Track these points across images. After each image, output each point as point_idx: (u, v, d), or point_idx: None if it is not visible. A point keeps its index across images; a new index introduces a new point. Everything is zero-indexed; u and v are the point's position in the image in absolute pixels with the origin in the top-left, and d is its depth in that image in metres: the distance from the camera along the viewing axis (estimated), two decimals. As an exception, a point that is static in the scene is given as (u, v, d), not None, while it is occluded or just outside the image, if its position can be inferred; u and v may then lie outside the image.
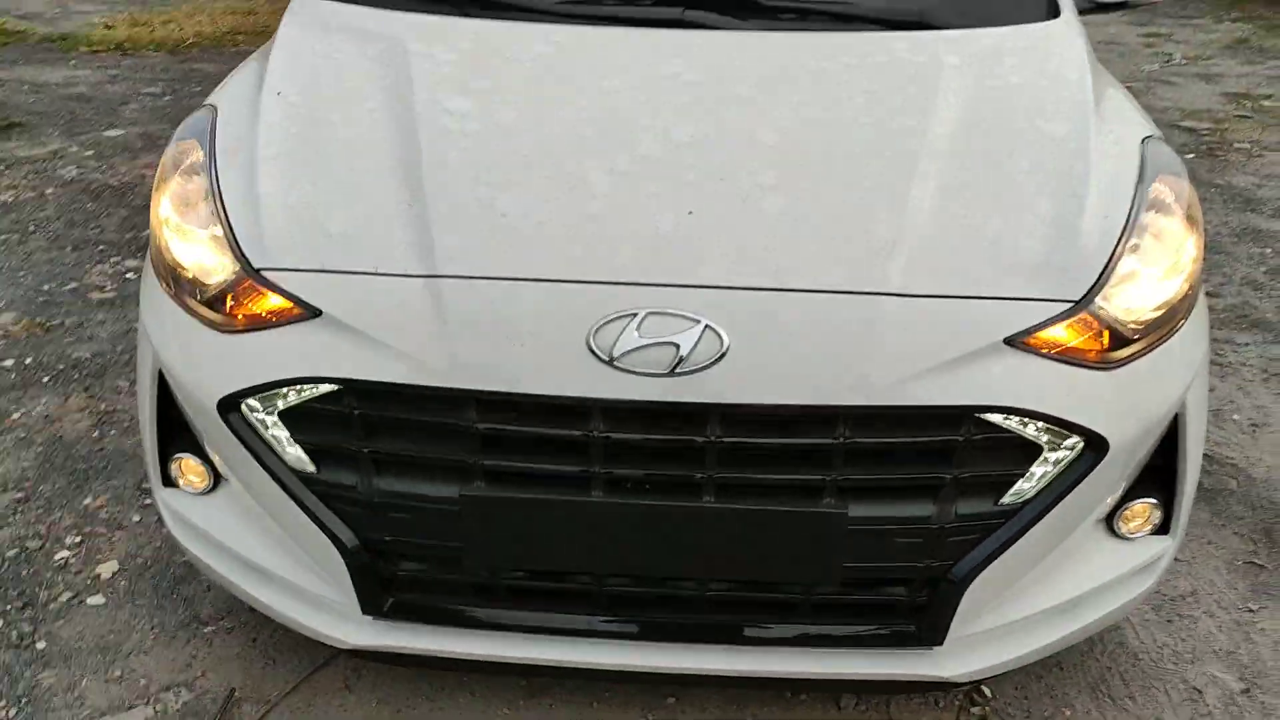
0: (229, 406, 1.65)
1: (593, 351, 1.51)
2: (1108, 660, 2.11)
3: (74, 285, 3.70)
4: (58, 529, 2.45)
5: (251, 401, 1.64)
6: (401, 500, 1.62)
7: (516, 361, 1.53)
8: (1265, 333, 3.41)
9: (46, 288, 3.68)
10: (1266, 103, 6.08)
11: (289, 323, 1.62)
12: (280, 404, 1.63)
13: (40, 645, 2.12)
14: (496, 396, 1.54)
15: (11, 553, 2.37)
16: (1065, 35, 2.22)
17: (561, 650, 1.73)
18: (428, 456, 1.60)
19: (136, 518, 2.49)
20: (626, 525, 1.60)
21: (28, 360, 3.19)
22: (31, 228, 4.20)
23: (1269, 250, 4.04)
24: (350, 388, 1.58)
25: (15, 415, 2.90)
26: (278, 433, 1.64)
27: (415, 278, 1.59)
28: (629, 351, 1.50)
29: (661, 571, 1.67)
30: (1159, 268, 1.70)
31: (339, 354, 1.58)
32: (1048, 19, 2.26)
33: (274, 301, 1.63)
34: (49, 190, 4.62)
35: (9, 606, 2.22)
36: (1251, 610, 2.26)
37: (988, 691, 2.02)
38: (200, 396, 1.68)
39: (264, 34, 7.67)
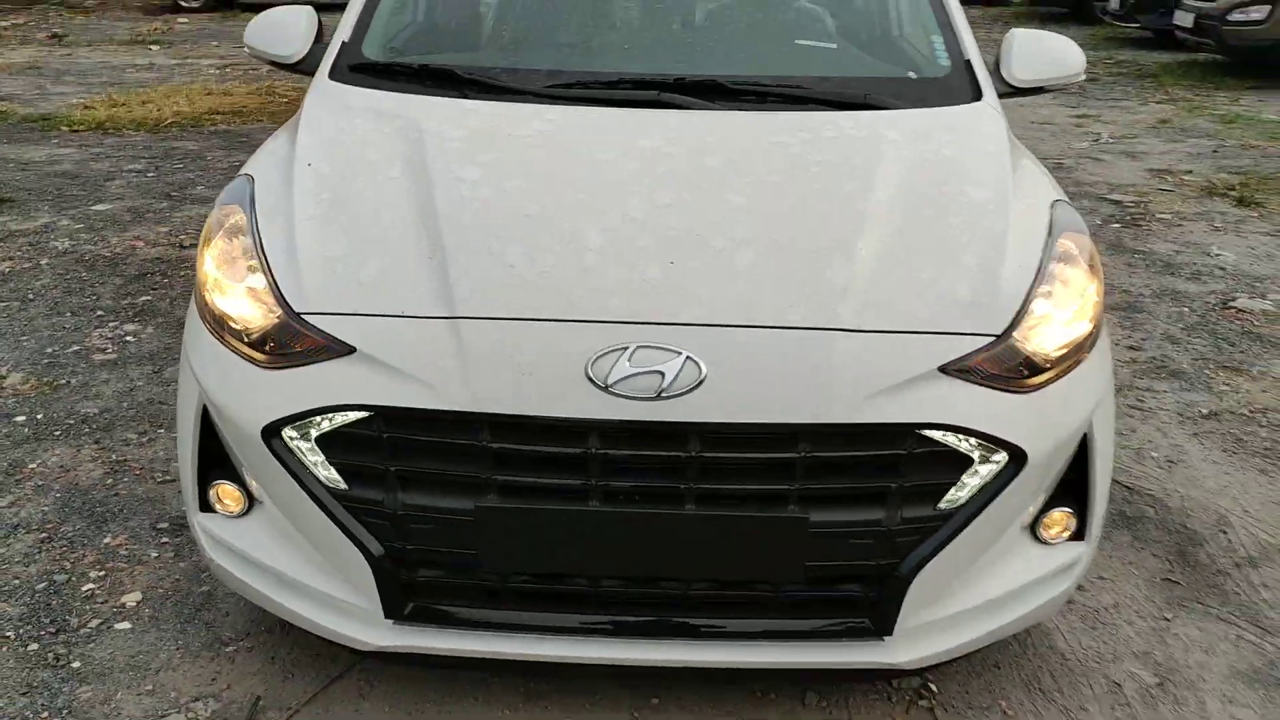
0: (271, 433, 1.89)
1: (590, 380, 1.78)
2: (1039, 660, 2.38)
3: (76, 348, 3.91)
4: (82, 564, 2.65)
5: (289, 430, 1.89)
6: (423, 513, 1.86)
7: (525, 389, 1.80)
8: (1181, 381, 3.75)
9: (50, 350, 3.89)
10: (1186, 177, 6.55)
11: (325, 359, 1.87)
12: (315, 430, 1.87)
13: (75, 665, 2.31)
14: (507, 419, 1.80)
15: (41, 585, 2.57)
16: (987, 115, 2.56)
17: (558, 647, 1.96)
18: (447, 473, 1.85)
19: (154, 554, 2.69)
20: (620, 531, 1.85)
21: (39, 416, 3.39)
22: (30, 295, 4.42)
23: (1185, 309, 4.41)
24: (379, 414, 1.83)
25: (32, 465, 3.10)
26: (314, 456, 1.88)
27: (437, 319, 1.85)
28: (621, 379, 1.77)
29: (650, 572, 1.91)
30: (1066, 309, 2.01)
31: (370, 385, 1.84)
32: (972, 101, 2.61)
33: (312, 341, 1.89)
34: (44, 261, 4.84)
35: (43, 632, 2.41)
36: (1166, 619, 2.54)
37: (934, 688, 2.28)
38: (245, 425, 1.92)
39: (240, 114, 8.03)
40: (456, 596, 1.98)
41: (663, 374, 1.78)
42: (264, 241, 2.03)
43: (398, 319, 1.87)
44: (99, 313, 4.25)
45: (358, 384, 1.84)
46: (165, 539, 2.75)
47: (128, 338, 4.01)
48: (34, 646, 2.36)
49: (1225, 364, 3.89)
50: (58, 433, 3.29)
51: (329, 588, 1.99)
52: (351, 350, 1.86)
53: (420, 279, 1.91)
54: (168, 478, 3.04)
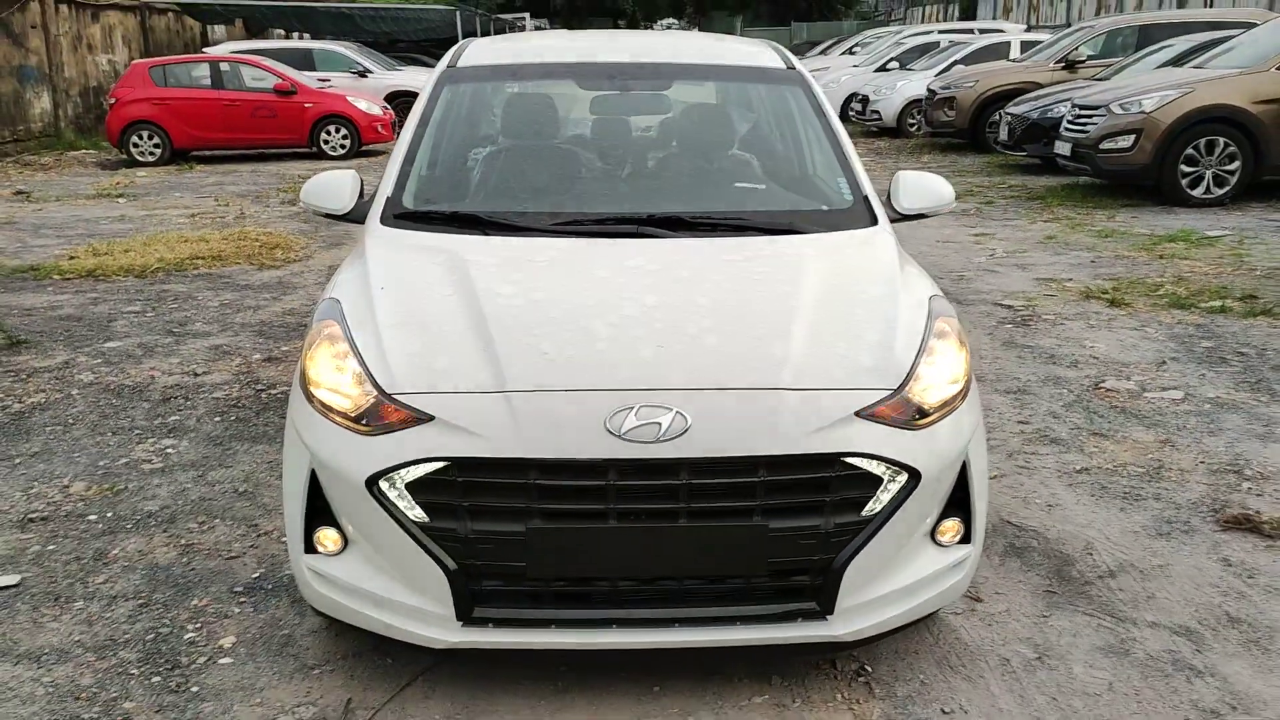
0: (371, 483, 2.57)
1: (608, 430, 2.50)
2: (948, 647, 3.08)
3: (125, 460, 4.52)
4: (179, 620, 3.25)
5: (381, 483, 2.57)
6: (487, 535, 2.54)
7: (560, 439, 2.51)
8: (1060, 446, 4.56)
9: (102, 463, 4.49)
10: (1068, 284, 7.54)
11: (411, 426, 2.58)
12: (404, 478, 2.56)
13: (194, 689, 2.90)
14: (548, 462, 2.51)
15: (149, 637, 3.16)
16: (881, 236, 3.41)
17: (584, 637, 2.62)
18: (504, 505, 2.54)
19: (237, 609, 3.30)
20: (631, 542, 2.55)
21: (108, 514, 3.99)
22: (70, 420, 5.02)
23: (1065, 390, 5.27)
24: (454, 463, 2.53)
25: (114, 551, 3.70)
26: (404, 499, 2.57)
27: (494, 393, 2.58)
28: (630, 429, 2.50)
29: (653, 572, 2.60)
30: (944, 370, 2.80)
31: (446, 443, 2.54)
32: (870, 225, 3.46)
33: (400, 414, 2.59)
34: (73, 392, 5.45)
35: (161, 669, 2.99)
36: (1045, 616, 3.26)
37: (869, 669, 2.96)
38: (352, 478, 2.59)
39: (219, 258, 8.75)
40: (509, 601, 2.64)
41: (660, 424, 2.51)
42: (358, 344, 2.75)
43: (465, 394, 2.59)
44: (136, 431, 4.86)
45: (437, 442, 2.54)
46: (243, 599, 3.36)
47: (168, 450, 4.62)
48: (156, 679, 2.95)
49: (1095, 431, 4.72)
50: (129, 526, 3.89)
51: (412, 600, 2.64)
52: (431, 418, 2.57)
53: (479, 365, 2.64)
54: (232, 555, 3.65)
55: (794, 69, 4.11)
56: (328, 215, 3.63)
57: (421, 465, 2.55)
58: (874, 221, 3.48)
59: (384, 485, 2.57)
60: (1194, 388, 5.26)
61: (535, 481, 2.51)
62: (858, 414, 2.62)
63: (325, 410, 2.70)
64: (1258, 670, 2.95)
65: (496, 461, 2.52)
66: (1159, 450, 4.49)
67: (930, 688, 2.89)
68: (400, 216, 3.42)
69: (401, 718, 2.77)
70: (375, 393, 2.63)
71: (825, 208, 3.64)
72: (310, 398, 2.76)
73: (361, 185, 3.69)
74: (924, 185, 3.72)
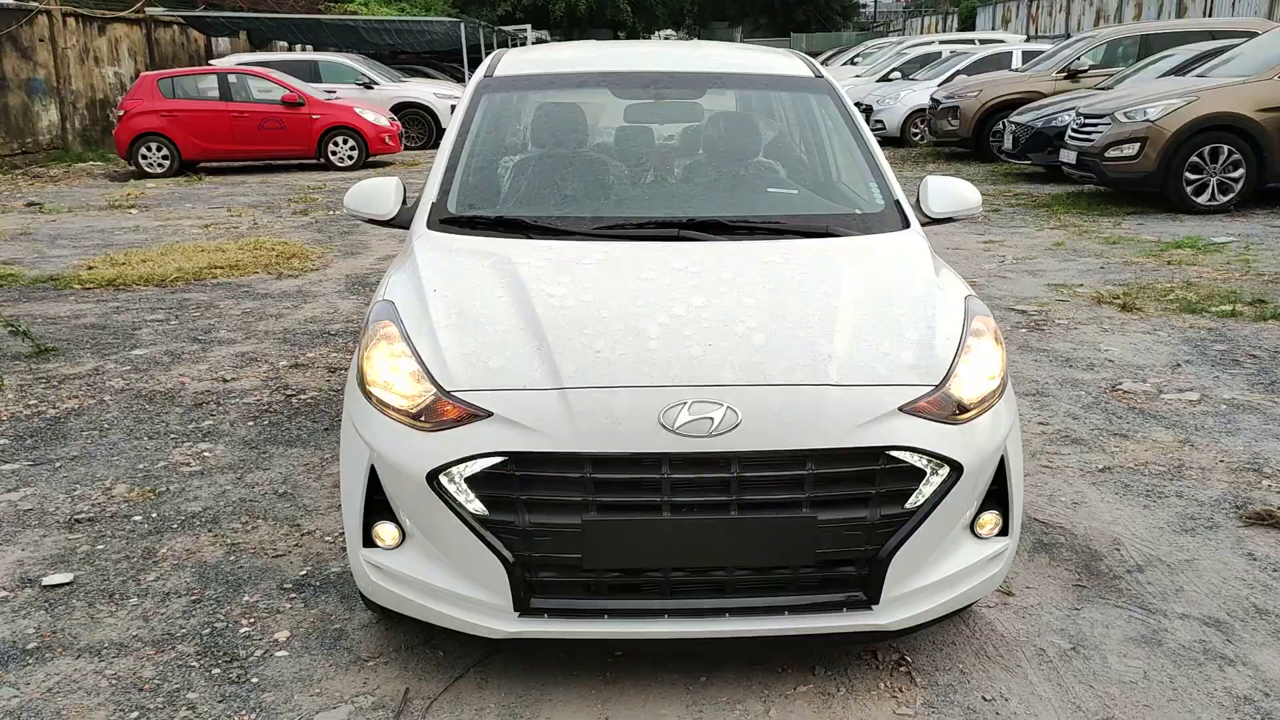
0: (432, 477, 2.65)
1: (662, 425, 2.59)
2: (984, 638, 3.16)
3: (164, 463, 4.60)
4: (232, 616, 3.32)
5: (441, 477, 2.65)
6: (544, 527, 2.62)
7: (616, 434, 2.60)
8: (1081, 446, 4.65)
9: (141, 466, 4.57)
10: (1079, 290, 7.64)
11: (470, 422, 2.66)
12: (463, 473, 2.64)
13: (254, 680, 2.98)
14: (604, 456, 2.59)
15: (205, 631, 3.23)
16: (914, 238, 3.50)
17: (637, 626, 2.70)
18: (561, 498, 2.62)
19: (289, 605, 3.38)
20: (684, 533, 2.63)
21: (153, 514, 4.07)
22: (106, 425, 5.10)
23: (1081, 393, 5.36)
24: (512, 458, 2.61)
25: (162, 550, 3.78)
26: (463, 493, 2.65)
27: (550, 389, 2.66)
28: (684, 424, 2.59)
29: (705, 563, 2.68)
30: (981, 368, 2.89)
31: (504, 438, 2.62)
32: (903, 229, 3.55)
33: (459, 410, 2.67)
34: (106, 398, 5.53)
35: (220, 661, 3.07)
36: (1076, 609, 3.34)
37: (909, 659, 3.04)
38: (412, 473, 2.67)
39: (237, 267, 8.85)
40: (565, 592, 2.72)
41: (712, 419, 2.60)
42: (415, 344, 2.83)
43: (522, 391, 2.67)
44: (172, 436, 4.94)
45: (495, 438, 2.63)
46: (293, 595, 3.44)
47: (205, 453, 4.71)
48: (216, 670, 3.03)
49: (1115, 432, 4.81)
50: (174, 526, 3.97)
51: (470, 592, 2.72)
52: (489, 414, 2.65)
53: (534, 363, 2.72)
54: (278, 554, 3.73)
55: (822, 77, 4.21)
56: (371, 220, 3.72)
57: (481, 460, 2.63)
58: (906, 225, 3.58)
59: (444, 480, 2.65)
60: (1209, 389, 5.35)
61: (591, 475, 2.60)
62: (901, 409, 2.70)
63: (383, 408, 2.79)
64: (1287, 658, 3.04)
65: (554, 456, 2.60)
66: (1179, 450, 4.58)
67: (970, 677, 2.97)
68: (446, 221, 3.51)
69: (458, 707, 2.85)
70: (434, 390, 2.72)
71: (859, 211, 3.73)
72: (369, 396, 2.84)
73: (405, 191, 3.78)
74: (951, 190, 3.82)
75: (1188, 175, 10.55)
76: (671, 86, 4.17)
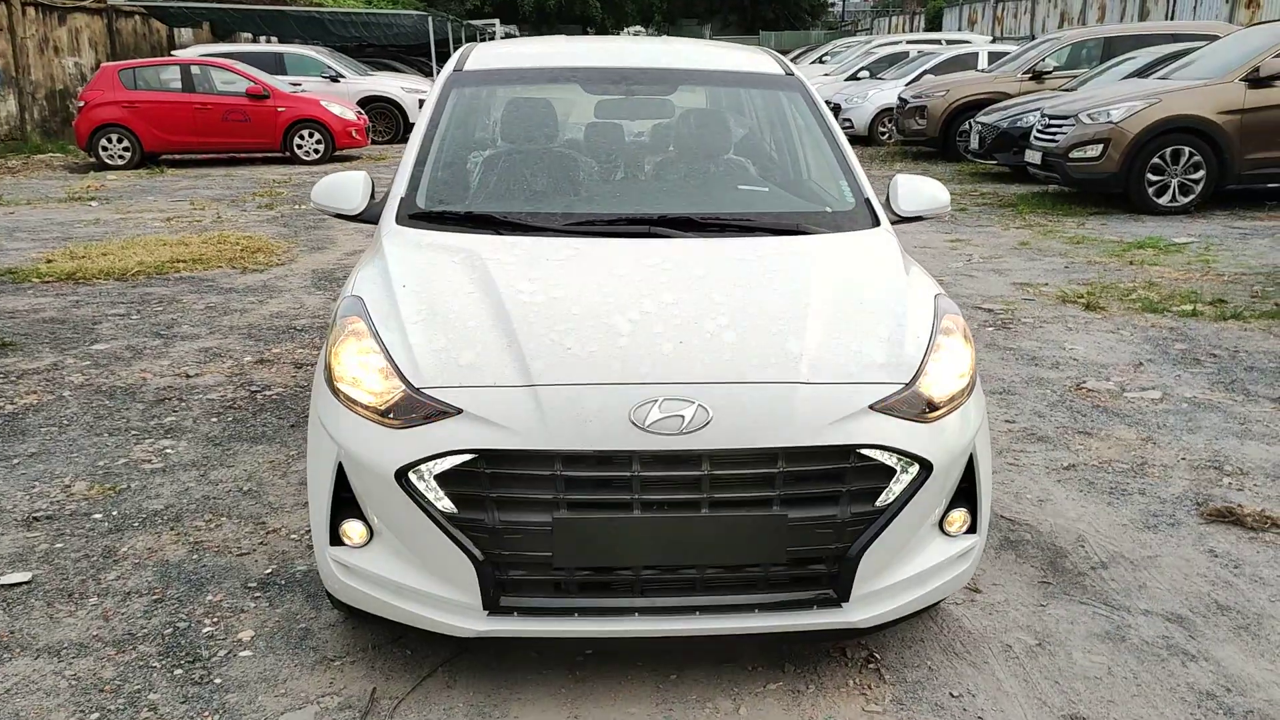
0: (401, 475, 2.63)
1: (633, 423, 2.58)
2: (952, 635, 3.18)
3: (124, 460, 4.53)
4: (195, 615, 3.28)
5: (410, 475, 2.63)
6: (514, 525, 2.60)
7: (586, 431, 2.58)
8: (1047, 444, 4.69)
9: (101, 463, 4.50)
10: (1044, 289, 7.70)
11: (439, 419, 2.63)
12: (432, 470, 2.61)
13: (217, 680, 2.94)
14: (575, 454, 2.58)
15: (168, 631, 3.18)
16: (884, 237, 3.51)
17: (607, 625, 2.69)
18: (531, 496, 2.61)
19: (252, 604, 3.34)
20: (655, 531, 2.62)
21: (114, 512, 4.01)
22: (65, 421, 5.02)
23: (1047, 391, 5.41)
24: (482, 455, 2.59)
25: (123, 549, 3.72)
26: (432, 490, 2.62)
27: (520, 387, 2.64)
28: (654, 421, 2.58)
29: (676, 561, 2.67)
30: (950, 366, 2.89)
31: (474, 435, 2.60)
32: (873, 227, 3.56)
33: (429, 407, 2.65)
34: (65, 393, 5.44)
35: (182, 661, 3.03)
36: (1042, 605, 3.37)
37: (878, 656, 3.05)
38: (381, 470, 2.64)
39: (200, 261, 8.73)
40: (534, 591, 2.70)
41: (683, 417, 2.59)
42: (384, 340, 2.80)
43: (492, 388, 2.65)
44: (133, 432, 4.87)
45: (465, 435, 2.60)
46: (258, 594, 3.39)
47: (167, 450, 4.64)
48: (179, 671, 2.98)
49: (1080, 430, 4.85)
50: (135, 524, 3.91)
51: (439, 590, 2.69)
52: (459, 411, 2.63)
53: (504, 360, 2.70)
54: (242, 552, 3.68)
55: (793, 75, 4.22)
56: (339, 215, 3.67)
57: (450, 457, 2.60)
58: (876, 223, 3.59)
59: (413, 477, 2.63)
60: (1171, 388, 5.41)
61: (561, 473, 2.58)
62: (871, 407, 2.71)
63: (351, 404, 2.75)
64: (1249, 654, 3.07)
65: (524, 453, 2.58)
66: (1141, 447, 4.63)
67: (938, 673, 2.98)
68: (415, 216, 3.47)
69: (426, 706, 2.83)
70: (403, 387, 2.69)
71: (829, 210, 3.73)
72: (337, 393, 2.81)
73: (373, 186, 3.74)
74: (920, 189, 3.83)
75: (1150, 177, 10.68)
76: (642, 83, 4.16)
